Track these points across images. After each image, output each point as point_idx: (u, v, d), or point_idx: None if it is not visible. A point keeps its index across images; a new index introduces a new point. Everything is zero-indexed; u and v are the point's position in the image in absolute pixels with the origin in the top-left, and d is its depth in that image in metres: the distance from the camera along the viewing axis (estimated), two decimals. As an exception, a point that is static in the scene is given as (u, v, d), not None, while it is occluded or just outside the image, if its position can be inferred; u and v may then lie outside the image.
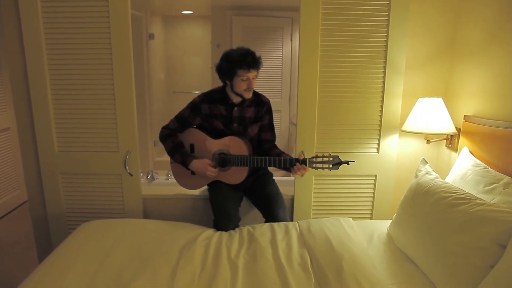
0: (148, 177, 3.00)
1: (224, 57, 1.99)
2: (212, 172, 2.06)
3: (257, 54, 1.98)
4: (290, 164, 1.94)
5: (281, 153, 2.11)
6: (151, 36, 4.13)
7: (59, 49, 2.13)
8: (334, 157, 1.89)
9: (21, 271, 2.65)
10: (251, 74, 1.96)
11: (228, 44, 4.11)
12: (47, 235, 2.38)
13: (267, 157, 1.98)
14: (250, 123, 2.12)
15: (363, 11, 2.13)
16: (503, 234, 1.28)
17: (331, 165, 1.89)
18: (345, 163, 1.89)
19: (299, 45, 2.18)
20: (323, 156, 1.90)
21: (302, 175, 2.18)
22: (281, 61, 4.21)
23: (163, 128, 2.14)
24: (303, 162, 1.92)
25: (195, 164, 2.06)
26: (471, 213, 1.41)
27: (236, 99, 2.05)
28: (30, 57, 2.12)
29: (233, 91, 2.02)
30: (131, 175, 2.26)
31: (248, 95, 2.02)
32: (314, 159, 1.91)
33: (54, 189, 2.28)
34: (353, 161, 1.97)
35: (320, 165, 1.91)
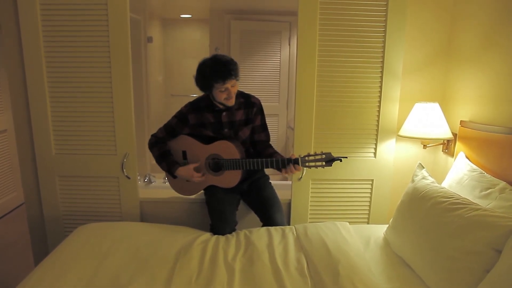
0: (146, 180, 3.00)
1: (198, 71, 1.93)
2: (197, 177, 2.05)
3: (234, 60, 1.90)
4: (282, 165, 1.90)
5: (274, 153, 2.07)
6: (149, 39, 4.14)
7: (58, 51, 2.13)
8: (326, 154, 1.84)
9: (18, 273, 2.63)
10: (228, 84, 1.89)
11: (226, 48, 4.12)
12: (44, 237, 2.37)
13: (259, 159, 1.95)
14: (241, 126, 2.09)
15: (361, 16, 2.14)
16: (498, 238, 1.29)
17: (324, 163, 1.85)
18: (337, 159, 1.84)
19: (297, 50, 2.19)
20: (315, 154, 1.86)
21: (299, 179, 2.18)
22: (279, 65, 4.21)
23: (152, 135, 2.13)
24: (295, 161, 1.88)
25: (181, 171, 2.06)
26: (467, 218, 1.41)
27: (222, 106, 2.02)
28: (29, 59, 2.12)
29: (215, 101, 2.00)
30: (129, 178, 2.26)
31: (231, 103, 1.97)
32: (306, 158, 1.87)
33: (51, 191, 2.28)
34: (346, 157, 1.91)
35: (313, 163, 1.86)
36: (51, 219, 2.31)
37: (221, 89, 1.90)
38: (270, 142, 2.21)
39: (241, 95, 2.09)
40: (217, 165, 2.08)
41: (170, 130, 2.10)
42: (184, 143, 2.13)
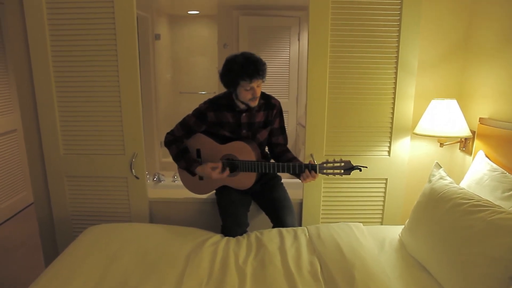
0: (155, 179, 2.96)
1: (225, 66, 1.89)
2: (218, 173, 1.99)
3: (263, 60, 1.87)
4: (299, 170, 1.86)
5: (292, 158, 2.03)
6: (157, 37, 4.11)
7: (65, 51, 2.10)
8: (345, 162, 1.80)
9: (27, 273, 2.64)
10: (255, 84, 1.87)
11: (235, 44, 4.07)
12: (53, 237, 2.36)
13: (275, 163, 1.91)
14: (259, 128, 2.05)
15: (374, 10, 2.07)
16: (524, 244, 1.22)
17: (342, 171, 1.81)
18: (357, 168, 1.80)
19: (308, 46, 2.12)
20: (334, 162, 1.81)
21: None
22: (288, 61, 4.16)
23: (168, 134, 2.08)
24: (313, 168, 1.84)
25: (199, 170, 2.02)
26: (489, 221, 1.35)
27: (243, 106, 1.99)
28: (36, 59, 2.10)
29: (238, 100, 1.96)
30: (137, 178, 2.23)
31: (254, 104, 1.94)
32: (325, 165, 1.83)
33: (60, 192, 2.26)
34: (366, 167, 1.87)
35: (331, 171, 1.82)
36: (60, 220, 2.30)
37: (247, 87, 1.87)
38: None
39: (261, 96, 2.03)
40: (231, 166, 2.03)
41: (187, 128, 2.05)
42: (199, 141, 2.09)
